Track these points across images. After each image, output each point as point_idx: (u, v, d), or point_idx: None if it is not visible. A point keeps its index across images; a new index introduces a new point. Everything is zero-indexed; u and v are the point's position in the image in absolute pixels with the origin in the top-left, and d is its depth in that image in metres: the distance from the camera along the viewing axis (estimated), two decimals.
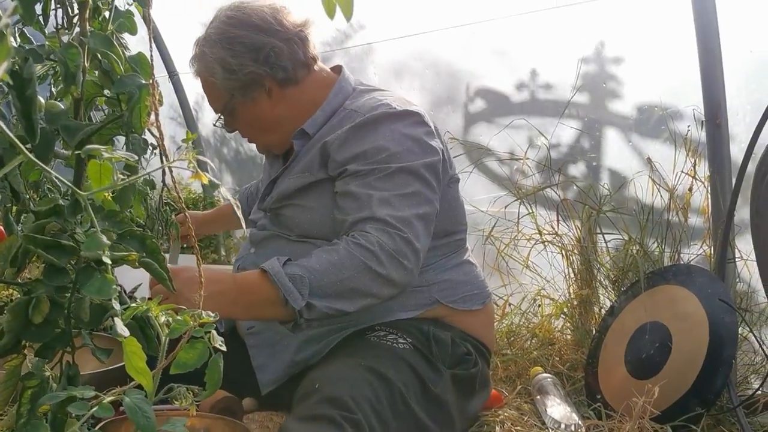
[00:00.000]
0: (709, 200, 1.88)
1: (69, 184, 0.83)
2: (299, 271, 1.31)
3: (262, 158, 3.90)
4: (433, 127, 1.55)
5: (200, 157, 0.86)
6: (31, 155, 0.73)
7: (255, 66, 1.53)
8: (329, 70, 1.67)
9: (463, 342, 1.54)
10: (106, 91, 1.19)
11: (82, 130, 1.15)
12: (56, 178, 0.82)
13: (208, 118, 3.83)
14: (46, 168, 0.79)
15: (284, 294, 1.28)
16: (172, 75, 3.65)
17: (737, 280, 1.91)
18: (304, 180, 1.55)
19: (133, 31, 1.23)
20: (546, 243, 2.25)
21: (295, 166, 1.60)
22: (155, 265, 0.97)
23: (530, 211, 2.26)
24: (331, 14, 0.84)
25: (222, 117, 1.65)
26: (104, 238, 0.71)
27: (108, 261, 0.72)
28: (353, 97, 1.61)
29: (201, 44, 1.59)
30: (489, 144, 2.31)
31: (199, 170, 0.77)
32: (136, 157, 0.88)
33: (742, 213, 1.86)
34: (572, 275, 2.22)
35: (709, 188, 1.88)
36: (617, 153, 2.13)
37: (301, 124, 1.60)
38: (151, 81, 1.13)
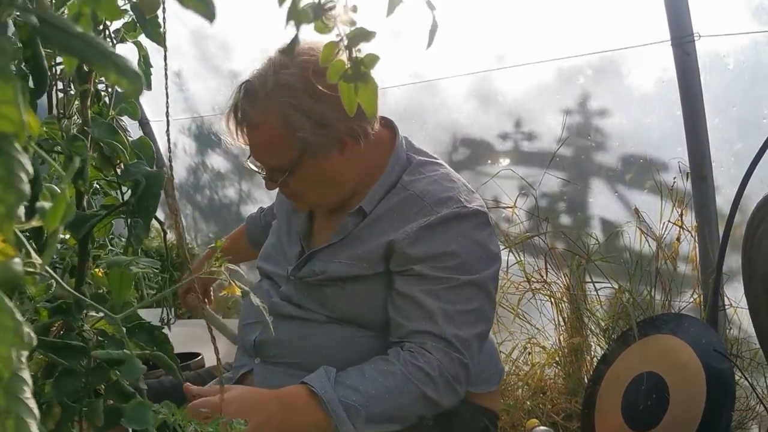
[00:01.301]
0: (698, 250, 1.91)
1: (69, 289, 0.80)
2: (353, 396, 1.26)
3: (238, 205, 3.86)
4: (492, 224, 1.48)
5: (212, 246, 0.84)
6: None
7: (345, 120, 1.34)
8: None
9: (481, 416, 1.53)
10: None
11: (87, 222, 1.12)
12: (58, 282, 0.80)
13: (180, 167, 3.79)
14: (51, 273, 0.77)
15: (336, 423, 1.24)
16: (144, 124, 3.61)
17: (727, 326, 1.94)
18: (360, 270, 1.42)
19: (135, 116, 1.21)
20: (535, 291, 2.27)
21: (349, 248, 1.46)
22: (165, 357, 0.95)
23: (519, 259, 2.27)
24: (351, 110, 0.83)
25: (271, 172, 1.45)
26: (140, 363, 0.69)
27: (144, 387, 0.70)
28: (410, 171, 1.47)
29: (277, 93, 1.36)
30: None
31: (232, 282, 0.76)
32: (159, 265, 0.85)
33: (729, 261, 1.89)
34: (562, 323, 2.23)
35: (696, 238, 1.92)
36: (604, 202, 2.16)
37: (359, 185, 1.47)
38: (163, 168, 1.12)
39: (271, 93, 1.35)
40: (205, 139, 3.61)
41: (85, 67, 1.17)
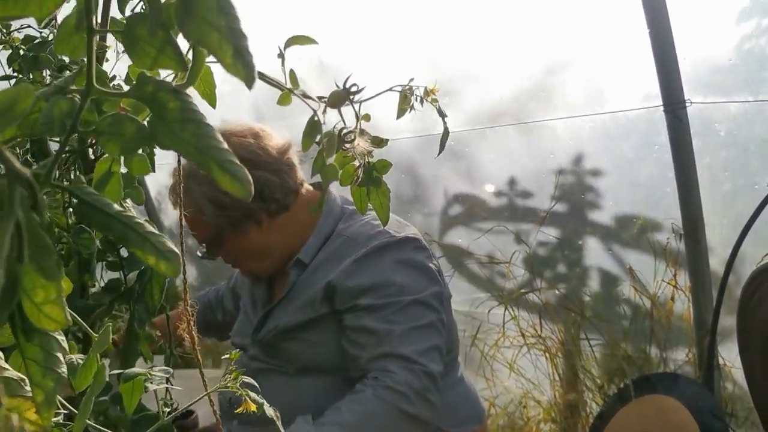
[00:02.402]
0: (692, 311, 1.93)
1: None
2: (337, 431, 1.30)
3: None
4: (429, 249, 1.56)
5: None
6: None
7: (255, 200, 1.49)
8: (312, 188, 1.65)
9: None
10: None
11: (92, 312, 1.11)
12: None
13: (170, 209, 3.78)
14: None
15: None
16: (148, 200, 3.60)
17: (723, 384, 1.95)
18: (306, 315, 1.51)
19: (140, 201, 1.21)
20: (530, 346, 2.27)
21: (294, 299, 1.56)
22: None
23: (513, 315, 2.28)
24: (362, 210, 0.84)
25: (205, 246, 1.60)
26: None
27: None
28: (345, 219, 1.59)
29: (185, 178, 1.50)
30: (468, 248, 2.33)
31: (248, 397, 0.75)
32: (171, 371, 0.85)
33: (723, 321, 1.91)
34: (557, 379, 2.23)
35: (690, 298, 1.93)
36: (598, 260, 2.17)
37: (291, 249, 1.57)
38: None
39: (180, 179, 1.44)
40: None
41: (91, 155, 1.17)
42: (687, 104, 1.78)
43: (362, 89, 0.71)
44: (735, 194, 1.89)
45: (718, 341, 1.93)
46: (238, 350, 1.70)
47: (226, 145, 0.50)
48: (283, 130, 2.73)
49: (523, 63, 2.11)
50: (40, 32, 1.16)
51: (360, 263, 1.47)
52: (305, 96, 0.62)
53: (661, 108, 1.81)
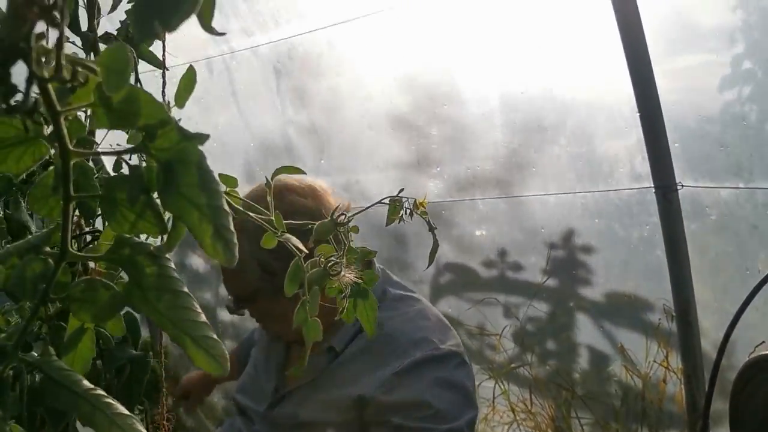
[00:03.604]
0: (684, 393, 1.90)
1: None
2: None
3: (215, 309, 3.80)
4: (469, 362, 1.47)
5: None
6: None
7: None
8: None
9: None
10: None
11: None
12: None
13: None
14: None
15: None
16: None
17: None
18: (330, 417, 1.41)
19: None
20: (520, 422, 2.23)
21: (319, 390, 1.45)
22: None
23: (503, 389, 2.24)
24: (349, 321, 0.82)
25: (235, 300, 1.49)
26: None
27: None
28: (386, 306, 1.45)
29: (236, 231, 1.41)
30: (459, 318, 2.31)
31: None
32: None
33: (716, 404, 1.88)
34: None
35: (682, 380, 1.91)
36: (589, 337, 2.15)
37: (328, 323, 1.47)
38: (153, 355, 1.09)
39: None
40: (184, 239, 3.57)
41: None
42: (678, 187, 1.78)
43: (350, 220, 0.70)
44: (727, 278, 1.88)
45: (711, 426, 1.89)
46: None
47: (203, 318, 0.48)
48: None
49: (514, 135, 2.12)
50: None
51: (400, 377, 1.36)
52: (287, 237, 0.60)
53: (652, 190, 1.82)
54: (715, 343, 1.80)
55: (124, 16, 1.20)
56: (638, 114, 1.72)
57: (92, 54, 1.21)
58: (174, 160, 0.44)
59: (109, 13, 1.22)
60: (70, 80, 0.37)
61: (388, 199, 0.91)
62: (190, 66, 0.56)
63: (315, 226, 0.67)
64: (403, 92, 2.28)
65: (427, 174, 2.34)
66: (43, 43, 0.39)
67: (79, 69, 0.39)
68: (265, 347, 1.63)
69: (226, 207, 0.44)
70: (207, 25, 0.48)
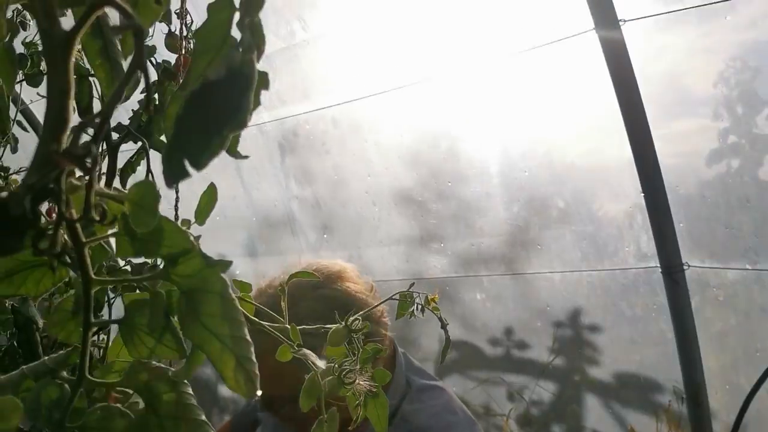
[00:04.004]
0: None
1: None
2: None
3: (216, 384, 3.74)
4: None
5: None
6: None
7: None
8: None
9: None
10: None
11: None
12: None
13: None
14: None
15: None
16: None
17: None
18: None
19: None
20: None
21: None
22: None
23: None
24: (358, 421, 0.80)
25: (267, 401, 1.37)
26: None
27: None
28: (411, 398, 1.37)
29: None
30: (464, 397, 2.26)
31: None
32: None
33: None
34: None
35: None
36: (598, 418, 2.11)
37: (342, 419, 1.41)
38: None
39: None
40: None
41: None
42: (684, 267, 1.78)
43: (364, 326, 0.69)
44: (736, 358, 1.86)
45: None
46: None
47: None
48: (276, 267, 2.72)
49: (519, 213, 2.13)
50: None
51: None
52: (305, 353, 0.59)
53: (659, 269, 1.81)
54: (727, 425, 1.76)
55: (136, 106, 1.22)
56: (642, 194, 1.73)
57: (104, 143, 1.23)
58: (197, 288, 0.43)
59: (121, 103, 1.24)
60: (99, 220, 0.37)
61: (398, 294, 0.90)
62: (212, 184, 0.56)
63: (329, 333, 0.66)
64: (407, 169, 2.31)
65: (431, 250, 2.34)
66: (73, 180, 0.39)
67: (106, 204, 0.39)
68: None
69: (248, 337, 0.43)
70: (234, 153, 0.48)
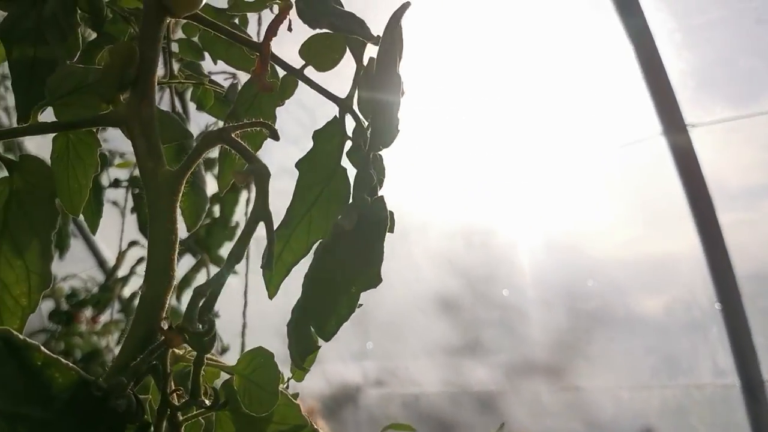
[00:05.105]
0: None
1: None
2: None
3: None
4: None
5: None
6: None
7: None
8: None
9: None
10: None
11: None
12: None
13: None
14: None
15: None
16: None
17: None
18: None
19: None
20: None
21: None
22: None
23: None
24: None
25: None
26: None
27: None
28: None
29: None
30: None
31: None
32: None
33: None
34: None
35: None
36: None
37: None
38: None
39: None
40: None
41: None
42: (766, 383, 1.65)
43: None
44: None
45: None
46: None
47: None
48: (316, 378, 2.61)
49: (578, 321, 2.02)
50: None
51: None
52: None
53: (738, 385, 1.67)
54: None
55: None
56: (718, 306, 1.62)
57: None
58: None
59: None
60: (211, 406, 0.30)
61: None
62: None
63: None
64: (453, 275, 2.23)
65: (477, 359, 2.22)
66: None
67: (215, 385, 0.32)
68: None
69: None
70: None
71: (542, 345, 2.13)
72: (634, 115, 1.64)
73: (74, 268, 2.18)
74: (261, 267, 0.31)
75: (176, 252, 0.33)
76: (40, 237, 0.38)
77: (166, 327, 0.29)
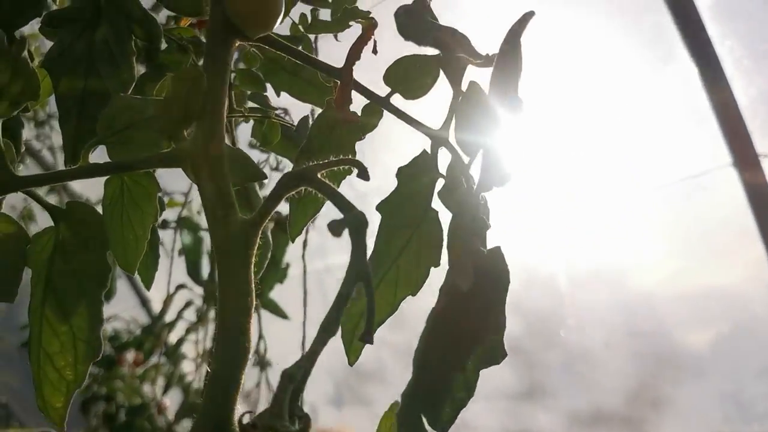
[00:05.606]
0: None
1: None
2: None
3: None
4: None
5: None
6: None
7: None
8: None
9: None
10: None
11: None
12: None
13: None
14: None
15: None
16: None
17: None
18: None
19: None
20: None
21: None
22: None
23: None
24: None
25: None
26: None
27: None
28: None
29: None
30: None
31: None
32: None
33: None
34: None
35: None
36: None
37: None
38: None
39: None
40: None
41: None
42: None
43: None
44: None
45: None
46: None
47: None
48: (362, 419, 2.53)
49: (646, 366, 1.91)
50: None
51: None
52: None
53: None
54: None
55: None
56: None
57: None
58: None
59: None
60: None
61: None
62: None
63: None
64: (512, 313, 2.13)
65: (540, 405, 2.11)
66: None
67: None
68: None
69: None
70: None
71: (606, 389, 2.02)
72: (703, 146, 1.56)
73: (116, 308, 2.15)
74: (360, 340, 0.25)
75: (251, 318, 0.27)
76: (89, 297, 0.32)
77: (246, 421, 0.22)
